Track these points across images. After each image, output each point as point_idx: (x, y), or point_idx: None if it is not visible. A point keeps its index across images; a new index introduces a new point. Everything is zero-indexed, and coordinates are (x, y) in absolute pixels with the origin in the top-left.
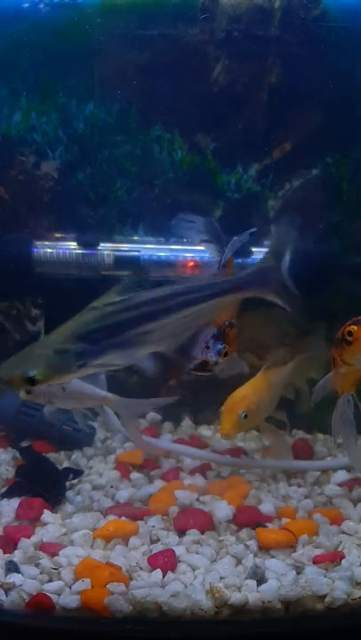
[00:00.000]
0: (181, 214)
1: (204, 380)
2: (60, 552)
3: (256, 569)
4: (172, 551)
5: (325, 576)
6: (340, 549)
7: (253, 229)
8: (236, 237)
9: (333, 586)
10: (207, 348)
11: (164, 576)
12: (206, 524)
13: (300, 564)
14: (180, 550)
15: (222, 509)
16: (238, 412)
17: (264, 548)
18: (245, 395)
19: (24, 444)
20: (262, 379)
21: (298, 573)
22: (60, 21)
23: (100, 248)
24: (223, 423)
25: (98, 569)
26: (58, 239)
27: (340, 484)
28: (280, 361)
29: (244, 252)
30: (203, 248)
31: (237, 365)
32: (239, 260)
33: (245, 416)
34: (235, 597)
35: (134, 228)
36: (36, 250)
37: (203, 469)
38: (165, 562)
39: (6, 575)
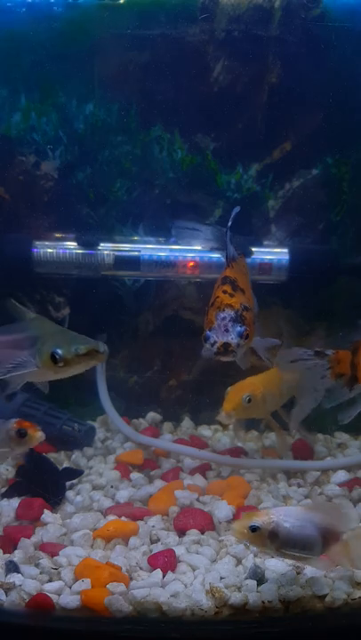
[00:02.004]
0: (182, 222)
1: (222, 367)
2: (60, 552)
3: (256, 569)
4: (172, 551)
5: (325, 576)
6: None
7: (237, 208)
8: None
9: (333, 586)
10: (226, 331)
11: (164, 576)
12: (206, 524)
13: (301, 564)
14: (180, 550)
15: (222, 509)
16: (243, 394)
17: None
18: (253, 382)
19: None
20: (273, 373)
21: (298, 573)
22: (60, 21)
23: (100, 248)
24: (226, 403)
25: (98, 569)
26: (58, 239)
27: (340, 484)
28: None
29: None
30: (202, 248)
31: (272, 343)
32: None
33: (249, 400)
34: (235, 597)
35: (134, 228)
36: (36, 250)
37: (203, 469)
38: (165, 562)
39: (6, 575)
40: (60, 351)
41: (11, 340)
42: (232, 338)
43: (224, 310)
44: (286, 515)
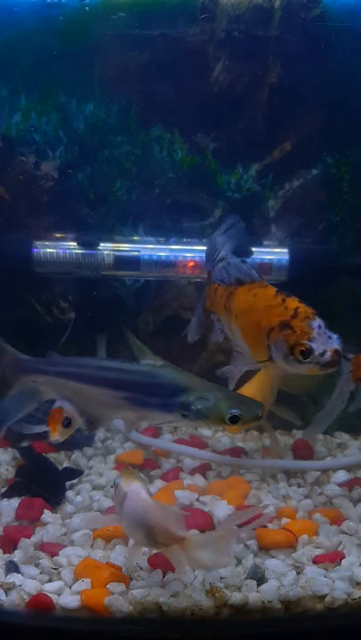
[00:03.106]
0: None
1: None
2: (60, 552)
3: (256, 569)
4: None
5: (325, 576)
6: (340, 549)
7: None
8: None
9: (333, 586)
10: (329, 338)
11: (164, 576)
12: (206, 524)
13: (300, 564)
14: None
15: (222, 509)
16: None
17: (264, 548)
18: (252, 392)
19: (24, 444)
20: (264, 375)
21: (298, 573)
22: (60, 21)
23: (100, 248)
24: None
25: (98, 569)
26: (58, 239)
27: (340, 484)
28: None
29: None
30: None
31: None
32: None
33: None
34: (235, 597)
35: (134, 228)
36: (36, 250)
37: (203, 469)
38: (165, 562)
39: (6, 575)
40: (240, 412)
41: (145, 384)
42: (336, 344)
43: (316, 319)
44: None
